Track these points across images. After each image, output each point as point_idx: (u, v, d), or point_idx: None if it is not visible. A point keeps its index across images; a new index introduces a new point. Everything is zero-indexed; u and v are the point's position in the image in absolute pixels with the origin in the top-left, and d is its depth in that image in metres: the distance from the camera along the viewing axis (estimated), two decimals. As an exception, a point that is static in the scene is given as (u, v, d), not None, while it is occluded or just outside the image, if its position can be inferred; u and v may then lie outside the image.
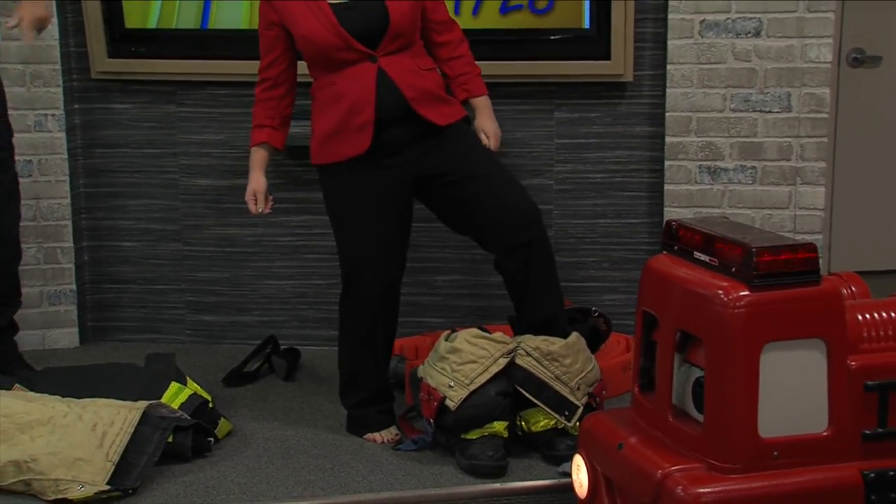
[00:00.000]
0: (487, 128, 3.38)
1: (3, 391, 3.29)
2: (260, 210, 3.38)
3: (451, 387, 3.16)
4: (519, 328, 3.40)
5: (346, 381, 3.46)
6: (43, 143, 4.15)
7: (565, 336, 3.28)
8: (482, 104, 3.40)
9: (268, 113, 3.37)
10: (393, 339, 3.46)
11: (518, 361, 3.21)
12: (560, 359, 3.21)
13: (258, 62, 4.02)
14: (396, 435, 3.37)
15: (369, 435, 3.39)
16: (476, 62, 3.40)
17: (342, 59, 3.20)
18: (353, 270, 3.34)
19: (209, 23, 4.07)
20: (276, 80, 3.35)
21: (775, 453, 2.38)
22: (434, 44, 3.36)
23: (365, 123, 3.20)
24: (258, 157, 3.40)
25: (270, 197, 3.40)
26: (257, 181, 3.38)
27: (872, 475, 2.39)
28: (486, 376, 3.16)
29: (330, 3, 3.20)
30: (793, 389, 2.39)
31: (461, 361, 3.18)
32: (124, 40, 4.11)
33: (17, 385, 3.36)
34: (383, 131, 3.21)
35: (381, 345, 3.42)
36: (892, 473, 2.40)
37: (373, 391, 3.41)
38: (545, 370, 3.20)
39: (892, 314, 2.51)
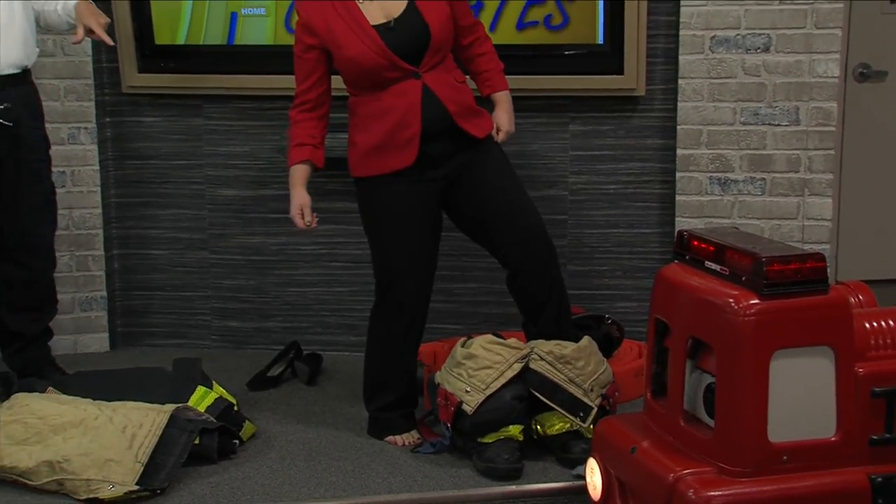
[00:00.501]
0: (502, 121, 3.38)
1: (38, 394, 3.32)
2: (307, 224, 3.35)
3: (467, 392, 3.16)
4: (532, 333, 3.40)
5: (372, 386, 3.45)
6: (76, 155, 4.16)
7: (576, 340, 3.28)
8: (502, 98, 3.40)
9: (308, 132, 3.33)
10: (419, 344, 3.47)
11: (532, 366, 3.21)
12: (573, 362, 3.21)
13: (282, 76, 4.04)
14: (418, 438, 3.37)
15: (390, 437, 3.39)
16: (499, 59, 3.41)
17: (387, 78, 3.19)
18: (389, 280, 3.35)
19: (235, 39, 4.08)
20: (316, 102, 3.32)
21: (784, 458, 2.38)
22: (461, 46, 3.36)
23: (411, 138, 3.20)
24: (300, 174, 3.34)
25: (314, 213, 3.38)
26: (302, 196, 3.33)
27: (880, 479, 2.39)
28: (502, 381, 3.16)
29: (373, 25, 3.18)
30: (801, 395, 2.39)
31: (477, 367, 3.18)
32: (154, 56, 4.12)
33: (50, 388, 3.38)
34: (426, 145, 3.21)
35: (410, 352, 3.42)
36: (899, 478, 2.40)
37: (398, 396, 3.41)
38: (559, 373, 3.20)
39: (898, 322, 2.51)
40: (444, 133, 3.23)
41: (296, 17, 3.30)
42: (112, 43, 3.61)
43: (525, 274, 3.36)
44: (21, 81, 3.56)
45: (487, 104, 3.40)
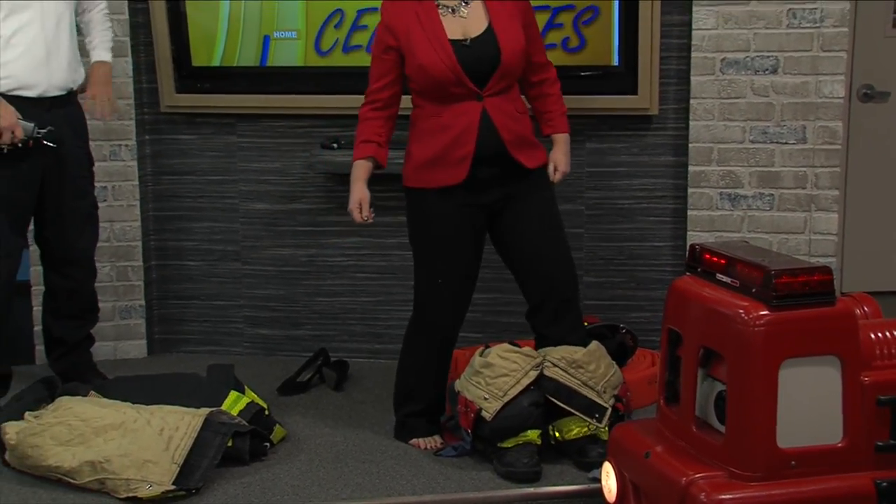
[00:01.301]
0: (559, 161, 3.32)
1: (80, 397, 3.33)
2: (364, 218, 3.29)
3: (486, 399, 3.15)
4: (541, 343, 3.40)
5: (401, 394, 3.45)
6: (117, 170, 4.17)
7: (585, 345, 3.28)
8: (562, 140, 3.35)
9: (376, 131, 3.28)
10: (451, 358, 3.45)
11: (547, 373, 3.21)
12: (584, 366, 3.21)
13: (312, 96, 4.10)
14: (441, 443, 3.36)
15: (414, 441, 3.39)
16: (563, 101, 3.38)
17: (451, 93, 3.16)
18: (426, 299, 3.35)
19: (268, 61, 4.08)
20: (387, 103, 3.28)
21: (793, 463, 2.37)
22: (529, 82, 3.32)
23: (464, 157, 3.17)
24: (363, 169, 3.28)
25: (371, 208, 3.32)
26: (363, 191, 3.27)
27: (885, 484, 2.38)
28: (519, 388, 3.16)
29: (450, 39, 3.15)
30: (809, 403, 2.38)
31: (494, 375, 3.18)
32: (191, 77, 4.13)
33: (92, 392, 3.40)
34: (478, 167, 3.19)
35: (441, 365, 3.42)
36: (903, 483, 2.39)
37: (426, 406, 3.41)
38: (572, 378, 3.20)
39: (903, 333, 2.50)
40: (496, 158, 3.19)
41: (378, 18, 3.26)
42: (108, 118, 3.67)
43: (541, 317, 3.35)
44: (67, 102, 3.58)
45: (546, 143, 3.36)
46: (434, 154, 3.21)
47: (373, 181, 4.07)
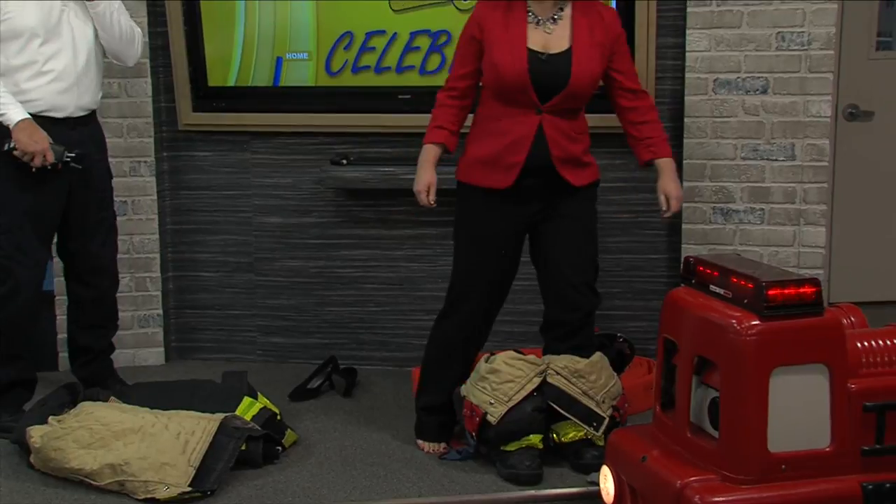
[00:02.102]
0: (670, 190, 3.21)
1: (102, 403, 3.34)
2: (431, 202, 3.22)
3: (491, 404, 3.15)
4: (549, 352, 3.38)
5: (422, 382, 3.40)
6: (136, 186, 4.18)
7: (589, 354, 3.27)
8: (667, 166, 3.23)
9: (450, 118, 3.21)
10: (474, 358, 3.37)
11: (549, 380, 3.20)
12: (586, 375, 3.20)
13: (323, 115, 4.10)
14: (444, 448, 3.36)
15: (420, 442, 3.39)
16: (663, 128, 3.30)
17: (514, 99, 3.11)
18: (459, 293, 3.29)
19: (280, 81, 4.10)
20: (463, 93, 3.21)
21: (783, 467, 2.37)
22: (622, 108, 3.25)
23: (514, 165, 3.13)
24: (432, 153, 3.20)
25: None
26: (432, 175, 3.19)
27: (871, 487, 2.38)
28: (523, 394, 3.15)
29: (529, 48, 3.10)
30: (799, 409, 2.38)
31: (500, 381, 3.17)
32: (207, 97, 4.14)
33: (112, 397, 3.40)
34: (525, 177, 3.14)
35: (462, 363, 3.35)
36: (888, 486, 2.39)
37: (441, 402, 3.35)
38: (574, 386, 3.19)
39: (888, 342, 2.50)
40: (543, 171, 3.13)
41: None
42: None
43: (555, 332, 3.31)
44: (90, 121, 3.60)
45: (650, 171, 3.28)
46: (487, 155, 3.17)
47: (383, 195, 4.12)
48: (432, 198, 3.22)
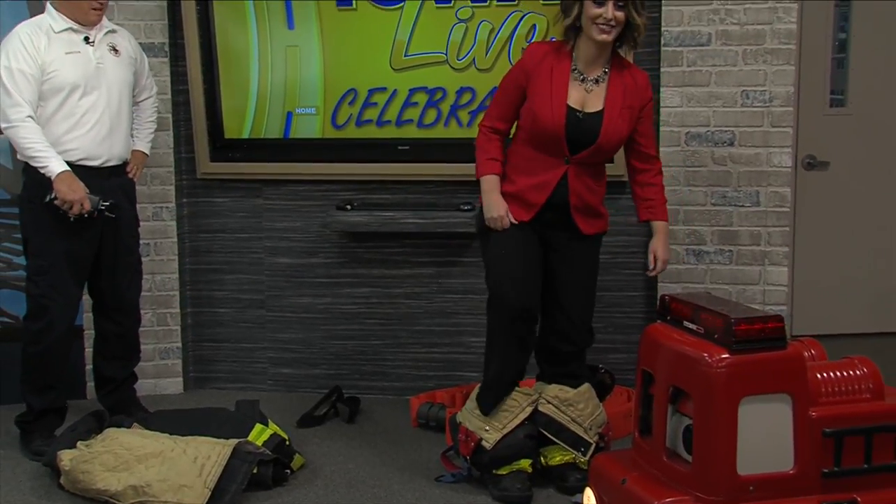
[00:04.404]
0: (659, 252, 3.23)
1: (125, 429, 3.33)
2: (513, 220, 3.12)
3: (486, 430, 3.14)
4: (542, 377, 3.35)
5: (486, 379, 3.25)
6: (158, 229, 4.19)
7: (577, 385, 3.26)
8: (661, 229, 3.24)
9: (498, 151, 3.16)
10: (530, 346, 3.24)
11: (540, 408, 3.19)
12: (574, 404, 3.20)
13: (329, 164, 4.10)
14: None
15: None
16: (664, 192, 3.28)
17: (546, 145, 3.08)
18: (497, 281, 3.15)
19: (290, 133, 4.11)
20: (501, 133, 3.18)
21: (751, 488, 2.37)
22: (634, 168, 3.23)
23: (535, 205, 3.11)
24: (496, 183, 3.14)
25: None
26: (503, 202, 3.13)
27: (831, 507, 2.38)
28: (516, 422, 3.15)
29: (569, 105, 3.05)
30: (765, 435, 2.39)
31: (496, 409, 3.17)
32: (223, 148, 4.16)
33: (135, 424, 3.40)
34: (543, 213, 3.12)
35: (520, 346, 3.20)
36: (846, 505, 2.39)
37: (516, 369, 3.22)
38: (563, 414, 3.18)
39: (845, 373, 2.51)
40: (560, 211, 3.12)
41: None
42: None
43: (550, 358, 3.28)
44: (121, 172, 3.62)
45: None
46: (513, 191, 3.13)
47: (383, 238, 4.14)
48: (512, 218, 3.13)
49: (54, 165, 3.35)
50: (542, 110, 3.05)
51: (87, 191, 3.39)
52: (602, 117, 3.07)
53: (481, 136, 3.19)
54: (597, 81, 3.09)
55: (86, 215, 3.39)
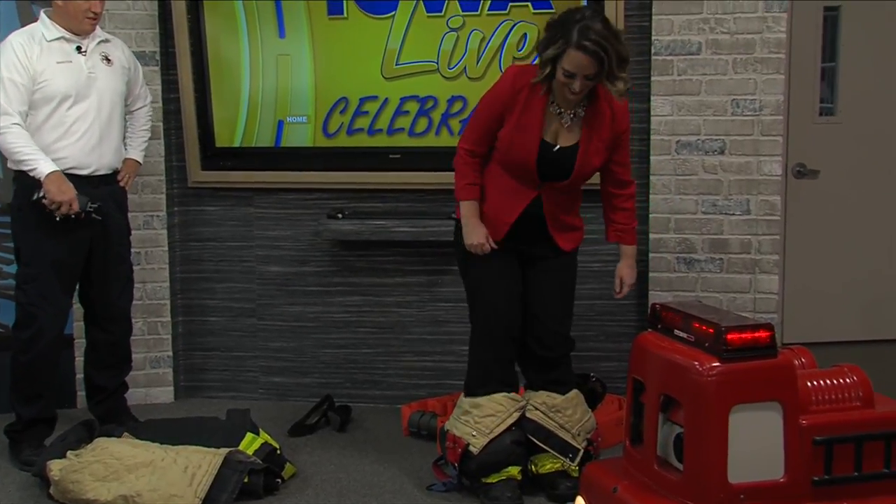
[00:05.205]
0: (625, 276, 3.25)
1: (116, 438, 3.32)
2: (493, 246, 3.12)
3: (473, 436, 3.14)
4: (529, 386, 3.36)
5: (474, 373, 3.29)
6: (149, 238, 4.18)
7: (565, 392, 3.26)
8: (628, 253, 3.26)
9: (476, 175, 3.14)
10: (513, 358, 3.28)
11: (528, 415, 3.20)
12: (563, 410, 3.20)
13: (320, 173, 4.11)
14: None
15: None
16: (635, 217, 3.29)
17: (518, 173, 3.09)
18: (479, 296, 3.20)
19: (281, 142, 4.11)
20: (480, 156, 3.14)
21: (742, 496, 2.37)
22: (608, 193, 3.23)
23: (506, 223, 3.12)
24: (476, 208, 3.13)
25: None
26: (483, 228, 3.11)
27: (822, 514, 2.38)
28: (503, 427, 3.15)
29: (544, 139, 3.03)
30: (755, 443, 2.39)
31: (482, 415, 3.17)
32: (214, 157, 4.16)
33: (126, 433, 3.38)
34: (518, 229, 3.12)
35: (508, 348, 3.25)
36: (837, 513, 2.39)
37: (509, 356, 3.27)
38: (551, 420, 3.19)
39: (835, 381, 2.51)
40: (535, 226, 3.13)
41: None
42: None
43: (534, 365, 3.28)
44: (112, 181, 3.62)
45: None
46: (485, 210, 3.14)
47: (374, 246, 4.14)
48: (492, 243, 3.14)
49: (43, 166, 3.34)
50: (515, 143, 3.05)
51: (77, 192, 3.38)
52: (577, 151, 3.06)
53: (459, 159, 3.17)
54: (574, 115, 3.06)
55: (73, 216, 3.38)
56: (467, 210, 3.15)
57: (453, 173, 3.26)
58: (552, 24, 2.97)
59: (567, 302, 3.28)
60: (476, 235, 3.13)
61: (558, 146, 3.06)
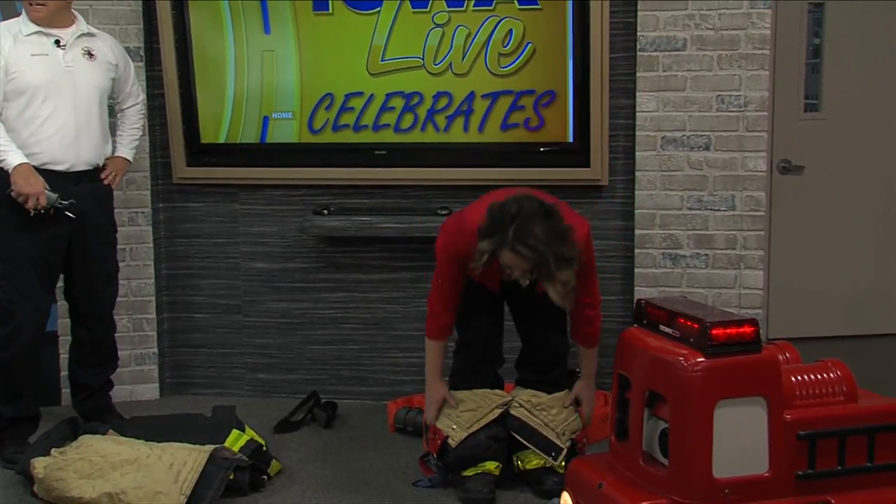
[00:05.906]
0: (585, 398, 3.26)
1: (100, 436, 3.31)
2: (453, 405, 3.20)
3: (453, 429, 3.17)
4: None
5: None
6: (134, 234, 4.16)
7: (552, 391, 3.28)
8: (588, 371, 3.26)
9: (446, 339, 3.24)
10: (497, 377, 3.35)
11: (512, 412, 3.21)
12: (547, 409, 3.21)
13: (306, 169, 4.11)
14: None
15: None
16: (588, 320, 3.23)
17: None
18: (471, 338, 3.29)
19: (267, 138, 4.10)
20: (454, 313, 3.20)
21: (726, 491, 2.38)
22: (574, 311, 3.16)
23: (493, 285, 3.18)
24: (441, 356, 3.24)
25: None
26: (443, 388, 3.24)
27: (805, 509, 2.39)
28: (483, 423, 3.17)
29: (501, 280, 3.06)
30: (740, 438, 2.40)
31: (464, 409, 3.20)
32: (200, 153, 4.14)
33: (110, 430, 3.37)
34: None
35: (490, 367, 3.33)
36: (820, 507, 2.40)
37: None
38: (535, 418, 3.20)
39: (819, 376, 2.53)
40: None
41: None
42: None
43: (530, 367, 3.33)
44: (93, 177, 3.58)
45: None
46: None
47: (360, 243, 4.13)
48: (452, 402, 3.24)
49: (12, 158, 3.32)
50: (478, 280, 3.08)
51: (48, 187, 3.35)
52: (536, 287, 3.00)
53: (436, 312, 3.18)
54: (529, 282, 2.97)
55: (42, 211, 3.35)
56: (433, 356, 3.23)
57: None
58: (492, 212, 2.89)
59: (561, 312, 3.26)
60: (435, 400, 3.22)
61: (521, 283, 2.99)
